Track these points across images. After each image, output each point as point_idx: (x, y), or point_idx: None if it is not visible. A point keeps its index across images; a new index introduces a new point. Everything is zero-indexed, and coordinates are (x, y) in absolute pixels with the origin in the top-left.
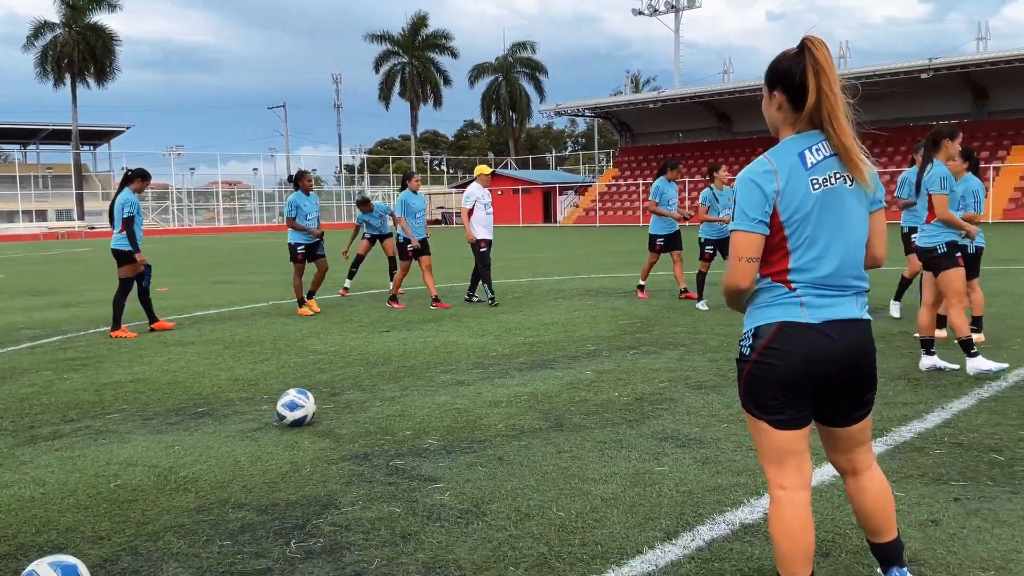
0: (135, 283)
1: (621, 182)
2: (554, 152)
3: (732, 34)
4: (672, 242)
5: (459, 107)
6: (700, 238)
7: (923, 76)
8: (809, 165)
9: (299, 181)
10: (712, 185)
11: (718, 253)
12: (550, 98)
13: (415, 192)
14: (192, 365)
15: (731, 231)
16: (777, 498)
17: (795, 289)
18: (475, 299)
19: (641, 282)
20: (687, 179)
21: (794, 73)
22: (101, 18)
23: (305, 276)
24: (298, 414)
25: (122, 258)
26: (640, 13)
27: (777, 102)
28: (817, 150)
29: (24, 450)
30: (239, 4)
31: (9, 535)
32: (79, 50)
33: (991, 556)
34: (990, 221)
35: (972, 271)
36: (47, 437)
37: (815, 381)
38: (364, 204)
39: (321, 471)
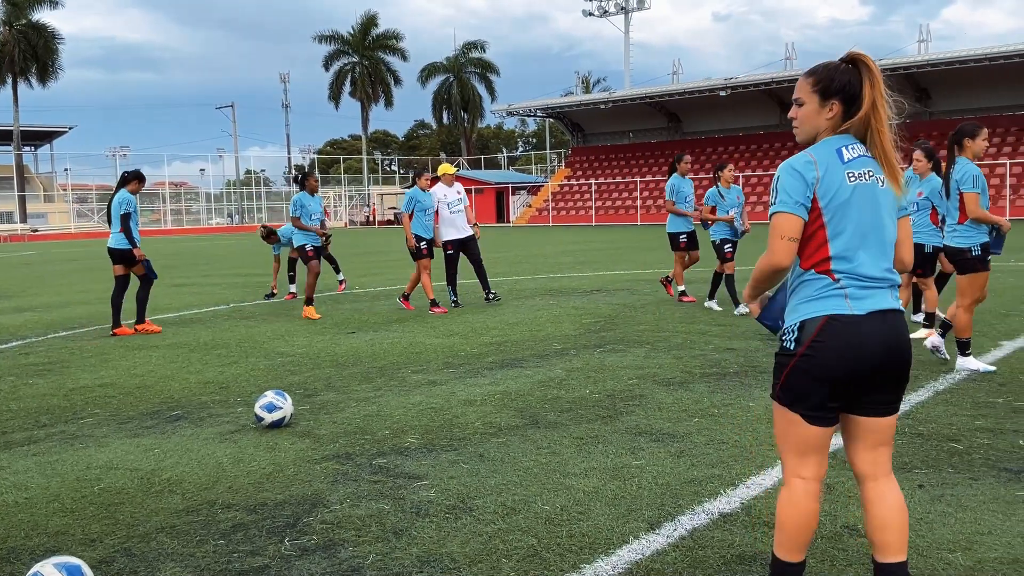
0: (150, 279)
1: (573, 182)
2: (505, 152)
3: (679, 35)
4: (692, 241)
5: (410, 107)
6: (714, 240)
7: None
8: (845, 159)
9: (305, 181)
10: (718, 184)
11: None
12: (501, 98)
13: (424, 190)
14: (159, 369)
15: (773, 213)
16: (793, 484)
17: (838, 280)
18: (491, 295)
19: (681, 287)
20: (638, 179)
21: (854, 85)
22: (43, 16)
23: (278, 276)
24: (276, 415)
25: (120, 257)
26: (590, 14)
27: (834, 112)
28: (852, 148)
29: (0, 456)
30: (183, 2)
31: None
32: (20, 49)
33: (956, 539)
34: None
35: (929, 269)
36: (22, 442)
37: (861, 372)
38: (271, 236)
39: (305, 471)
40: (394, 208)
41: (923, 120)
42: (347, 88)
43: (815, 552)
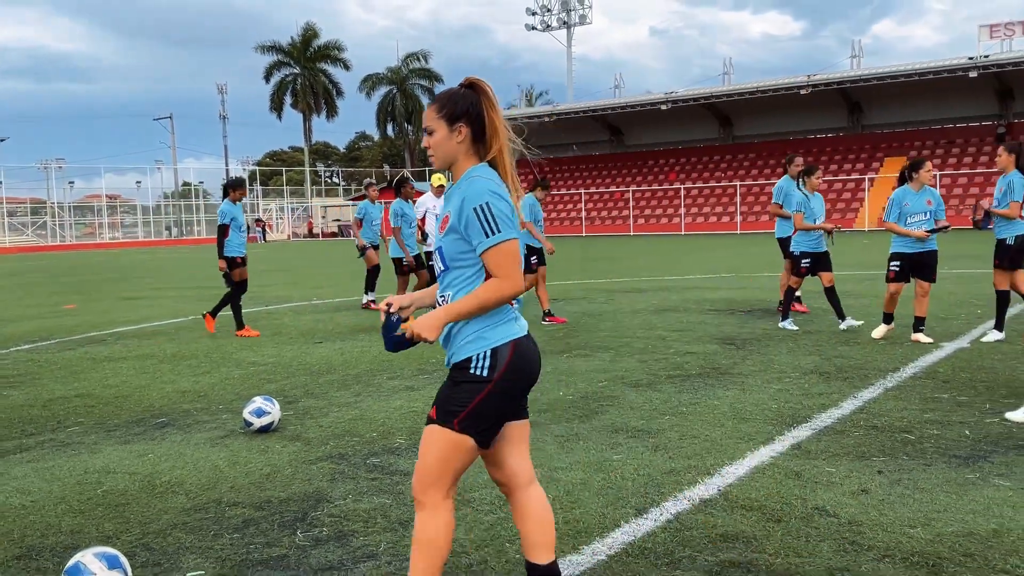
0: (245, 285)
1: None
2: None
3: (617, 48)
4: None
5: (351, 118)
6: (795, 251)
7: (802, 92)
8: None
9: (401, 188)
10: (803, 189)
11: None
12: None
13: (540, 200)
14: (132, 379)
15: (503, 241)
16: (447, 507)
17: (514, 304)
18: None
19: (797, 293)
20: (583, 190)
21: (476, 107)
22: None
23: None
24: (265, 420)
25: (232, 263)
26: (533, 28)
27: (463, 135)
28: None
29: None
30: (113, 13)
31: (16, 538)
32: None
33: (916, 516)
34: (866, 229)
35: (928, 275)
36: (13, 451)
37: (533, 383)
38: (404, 184)
39: (303, 471)
40: (338, 220)
41: (856, 133)
42: (288, 99)
43: (790, 530)
